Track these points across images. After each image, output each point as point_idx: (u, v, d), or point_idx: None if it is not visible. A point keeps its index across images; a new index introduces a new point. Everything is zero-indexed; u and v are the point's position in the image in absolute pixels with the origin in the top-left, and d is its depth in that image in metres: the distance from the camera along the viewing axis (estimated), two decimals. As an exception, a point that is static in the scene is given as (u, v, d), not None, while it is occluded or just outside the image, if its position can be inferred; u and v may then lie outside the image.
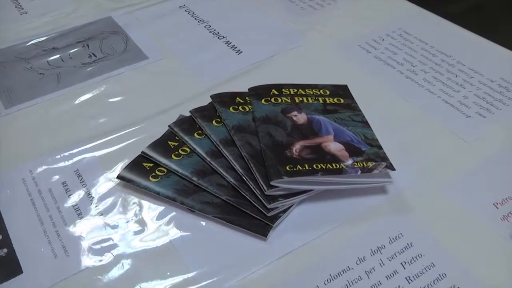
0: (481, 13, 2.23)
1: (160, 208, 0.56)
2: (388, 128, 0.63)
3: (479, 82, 0.72)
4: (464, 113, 0.67)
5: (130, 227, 0.54)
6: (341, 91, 0.68)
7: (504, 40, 0.79)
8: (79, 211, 0.56)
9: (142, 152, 0.60)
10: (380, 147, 0.58)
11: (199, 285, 0.48)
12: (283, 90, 0.66)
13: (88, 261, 0.51)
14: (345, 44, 0.81)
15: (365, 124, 0.62)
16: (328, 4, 0.92)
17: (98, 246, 0.52)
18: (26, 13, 0.95)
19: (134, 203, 0.56)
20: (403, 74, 0.74)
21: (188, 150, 0.60)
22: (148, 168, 0.58)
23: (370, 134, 0.60)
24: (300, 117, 0.61)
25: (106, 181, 0.59)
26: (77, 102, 0.73)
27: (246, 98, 0.65)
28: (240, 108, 0.64)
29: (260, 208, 0.52)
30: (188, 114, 0.65)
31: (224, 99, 0.65)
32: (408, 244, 0.50)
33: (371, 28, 0.85)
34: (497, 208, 0.54)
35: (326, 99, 0.66)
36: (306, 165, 0.53)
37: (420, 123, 0.66)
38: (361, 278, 0.48)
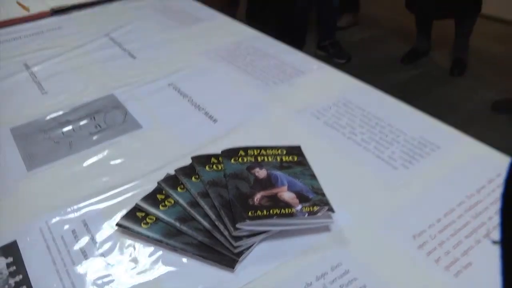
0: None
1: (150, 248, 0.60)
2: (332, 178, 0.68)
3: (404, 140, 0.78)
4: (392, 165, 0.73)
5: (126, 265, 0.58)
6: (295, 151, 0.74)
7: (422, 107, 0.87)
8: (85, 253, 0.60)
9: (136, 204, 0.65)
10: (324, 195, 0.63)
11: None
12: (248, 151, 0.72)
13: (92, 293, 0.55)
14: (300, 113, 0.88)
15: (313, 176, 0.68)
16: (288, 81, 1.00)
17: (100, 281, 0.56)
18: (46, 93, 1.01)
19: (129, 245, 0.61)
20: (345, 135, 0.80)
21: (173, 201, 0.65)
22: (140, 217, 0.63)
23: (316, 184, 0.66)
24: (261, 173, 0.67)
25: (108, 228, 0.64)
26: (85, 164, 0.78)
27: (219, 158, 0.71)
28: (214, 166, 0.69)
29: (228, 247, 0.57)
30: (173, 172, 0.70)
31: (202, 160, 0.71)
32: (346, 271, 0.55)
33: (322, 99, 0.92)
34: (415, 239, 0.59)
35: (283, 157, 0.71)
36: (265, 211, 0.58)
37: (357, 174, 0.72)
38: (308, 299, 0.53)
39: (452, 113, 2.43)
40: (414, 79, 2.89)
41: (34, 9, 1.41)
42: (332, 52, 3.06)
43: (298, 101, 0.92)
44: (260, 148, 0.73)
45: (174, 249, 0.59)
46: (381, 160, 0.74)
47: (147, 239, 0.60)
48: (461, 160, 0.72)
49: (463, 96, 2.66)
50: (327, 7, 2.94)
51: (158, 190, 0.67)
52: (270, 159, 0.70)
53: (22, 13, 1.41)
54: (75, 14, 1.41)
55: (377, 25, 3.59)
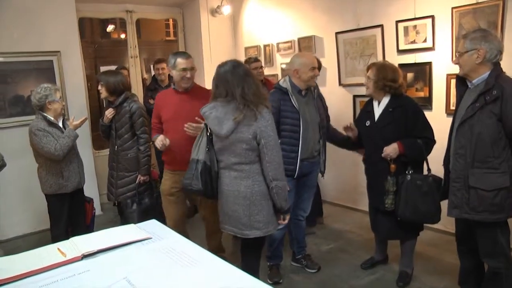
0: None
1: None
2: None
3: None
4: None
5: None
6: None
7: None
8: None
9: None
10: None
11: None
12: None
13: None
14: None
15: None
16: None
17: None
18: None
19: None
20: None
21: None
22: None
23: None
24: None
25: None
26: None
27: None
28: None
29: None
30: None
31: None
32: None
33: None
34: None
35: None
36: None
37: None
38: None
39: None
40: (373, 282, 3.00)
41: (69, 255, 1.57)
42: (305, 264, 3.21)
43: None
44: None
45: None
46: None
47: None
48: None
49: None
50: (299, 229, 3.18)
51: None
52: None
53: (59, 258, 1.56)
54: (101, 257, 1.56)
55: (340, 237, 3.82)
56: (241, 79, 2.21)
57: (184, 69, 2.75)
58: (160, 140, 2.74)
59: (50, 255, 1.60)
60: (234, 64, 2.26)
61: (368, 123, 2.88)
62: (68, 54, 4.49)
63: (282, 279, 3.04)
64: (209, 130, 2.29)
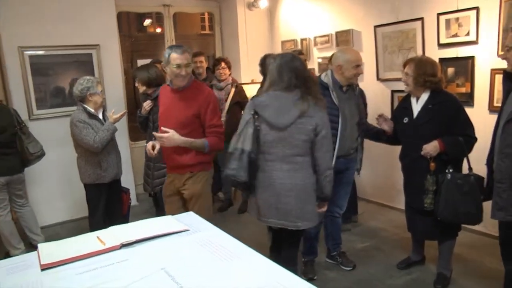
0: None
1: None
2: None
3: None
4: None
5: None
6: None
7: None
8: None
9: None
10: None
11: None
12: None
13: None
14: None
15: None
16: None
17: None
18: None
19: None
20: None
21: None
22: None
23: None
24: None
25: None
26: None
27: None
28: None
29: None
30: None
31: None
32: None
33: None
34: None
35: None
36: None
37: None
38: None
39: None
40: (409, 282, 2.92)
41: (108, 244, 1.59)
42: (340, 261, 3.16)
43: None
44: None
45: None
46: None
47: None
48: None
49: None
50: (335, 225, 3.14)
51: None
52: None
53: (98, 247, 1.58)
54: (139, 247, 1.57)
55: (375, 235, 3.74)
56: (302, 70, 2.21)
57: (178, 66, 2.47)
58: (147, 150, 2.60)
59: (90, 243, 1.62)
60: (293, 55, 2.26)
61: (406, 120, 2.79)
62: (107, 48, 4.58)
63: (316, 275, 3.00)
64: (256, 121, 2.20)
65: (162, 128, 2.50)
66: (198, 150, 2.59)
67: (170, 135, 2.46)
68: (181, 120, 2.52)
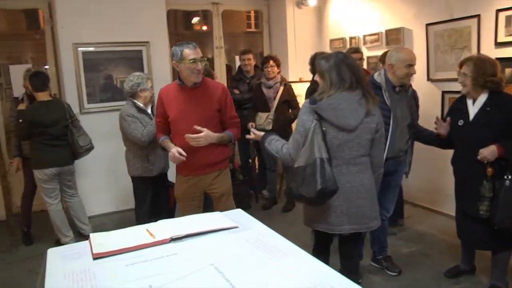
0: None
1: None
2: None
3: None
4: None
5: None
6: None
7: None
8: None
9: None
10: None
11: None
12: None
13: None
14: None
15: None
16: None
17: None
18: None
19: None
20: None
21: None
22: None
23: None
24: None
25: None
26: None
27: None
28: None
29: None
30: None
31: None
32: None
33: None
34: None
35: None
36: None
37: None
38: None
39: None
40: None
41: (158, 237, 1.61)
42: (386, 266, 3.06)
43: None
44: None
45: None
46: None
47: None
48: None
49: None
50: (381, 229, 3.04)
51: None
52: None
53: (148, 239, 1.60)
54: (188, 242, 1.58)
55: (422, 240, 3.61)
56: (357, 67, 2.17)
57: (194, 61, 2.40)
58: (173, 158, 2.49)
59: (140, 235, 1.64)
60: (345, 53, 2.20)
61: (461, 122, 2.65)
62: (157, 45, 4.67)
63: (361, 278, 2.92)
64: (323, 126, 2.08)
65: (196, 127, 2.43)
66: (227, 143, 2.64)
67: (206, 134, 2.44)
68: (205, 117, 2.50)
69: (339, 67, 2.09)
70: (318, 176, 1.98)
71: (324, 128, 2.07)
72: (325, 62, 2.13)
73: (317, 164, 1.99)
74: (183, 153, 2.46)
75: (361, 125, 2.09)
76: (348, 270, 2.27)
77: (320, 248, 2.42)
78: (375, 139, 2.17)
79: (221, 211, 1.96)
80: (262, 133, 2.40)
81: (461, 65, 2.64)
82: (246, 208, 2.88)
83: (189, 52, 2.40)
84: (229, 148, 2.75)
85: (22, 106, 3.75)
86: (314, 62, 3.24)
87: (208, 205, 2.96)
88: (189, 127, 2.44)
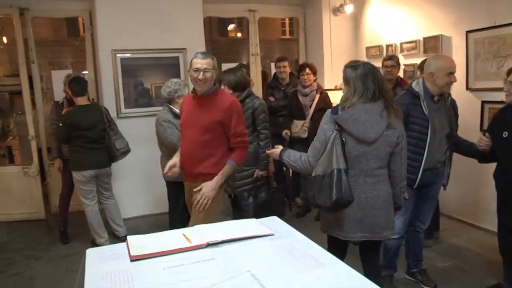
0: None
1: None
2: None
3: None
4: None
5: None
6: None
7: None
8: None
9: None
10: None
11: None
12: None
13: None
14: None
15: None
16: None
17: None
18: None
19: None
20: None
21: None
22: None
23: None
24: None
25: None
26: None
27: None
28: None
29: None
30: None
31: None
32: None
33: None
34: None
35: None
36: None
37: None
38: None
39: None
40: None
41: (194, 241, 1.62)
42: (420, 279, 2.98)
43: None
44: None
45: None
46: None
47: None
48: None
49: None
50: (417, 241, 2.97)
51: None
52: None
53: (184, 244, 1.61)
54: (224, 248, 1.58)
55: (458, 254, 3.49)
56: (382, 79, 2.16)
57: (196, 70, 2.43)
58: (166, 169, 2.71)
59: (176, 239, 1.66)
60: (373, 65, 2.18)
61: (505, 134, 2.56)
62: (194, 51, 4.63)
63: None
64: (342, 135, 2.09)
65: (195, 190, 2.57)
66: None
67: (204, 186, 2.54)
68: (204, 126, 2.51)
69: (365, 77, 2.09)
70: (334, 187, 2.03)
71: (344, 139, 2.09)
72: (352, 71, 2.13)
73: (334, 174, 2.04)
74: (175, 168, 2.67)
75: (380, 137, 2.08)
76: (377, 271, 2.33)
77: (333, 254, 2.41)
78: (395, 152, 2.16)
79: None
80: (279, 150, 2.42)
81: (508, 73, 2.55)
82: (280, 216, 2.86)
83: (196, 61, 2.47)
84: (224, 164, 2.60)
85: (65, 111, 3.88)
86: None
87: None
88: (191, 134, 2.54)
